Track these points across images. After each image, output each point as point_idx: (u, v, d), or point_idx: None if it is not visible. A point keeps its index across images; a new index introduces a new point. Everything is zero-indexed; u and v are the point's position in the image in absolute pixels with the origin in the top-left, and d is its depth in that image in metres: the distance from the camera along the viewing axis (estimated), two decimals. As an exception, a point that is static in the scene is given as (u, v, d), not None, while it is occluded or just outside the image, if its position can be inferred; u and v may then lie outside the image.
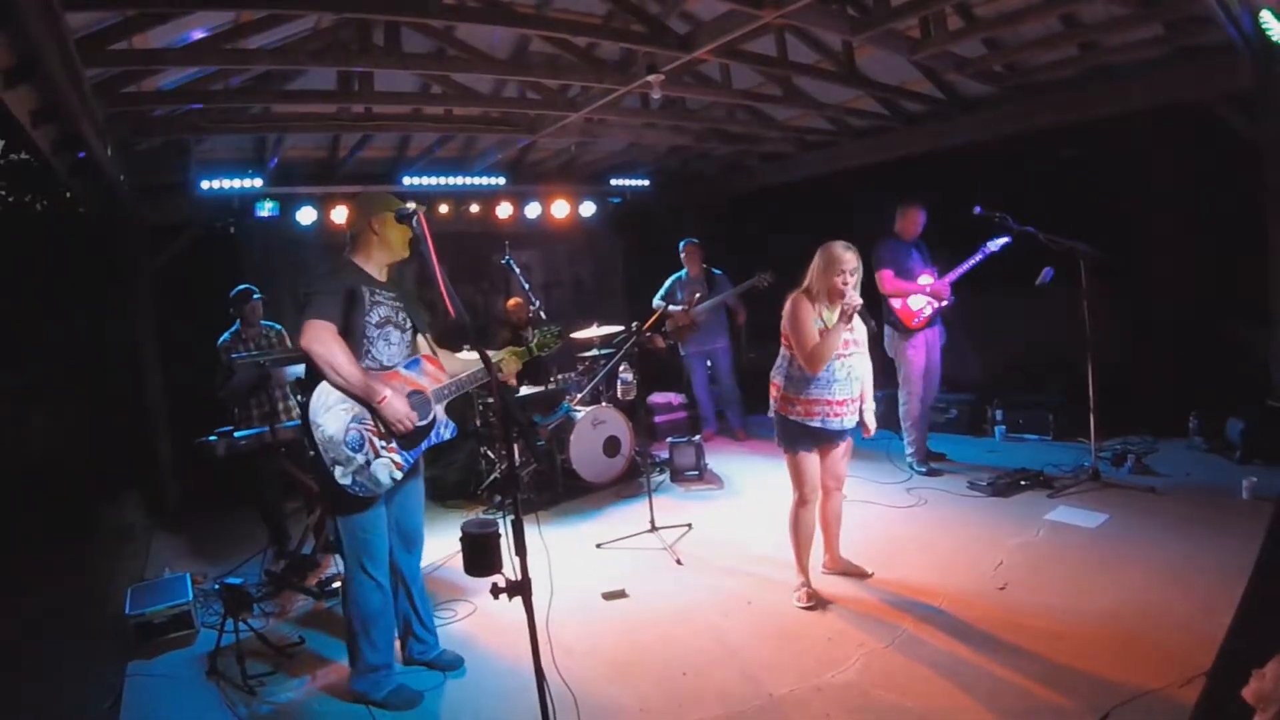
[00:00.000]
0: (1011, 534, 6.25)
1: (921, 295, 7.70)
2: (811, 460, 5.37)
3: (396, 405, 4.22)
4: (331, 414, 4.12)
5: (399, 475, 4.36)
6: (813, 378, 5.17)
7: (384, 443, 4.28)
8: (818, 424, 5.24)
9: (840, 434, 5.42)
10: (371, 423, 4.24)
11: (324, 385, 4.10)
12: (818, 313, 5.20)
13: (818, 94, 8.54)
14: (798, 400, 5.25)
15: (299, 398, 4.13)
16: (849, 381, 5.27)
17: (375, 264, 4.50)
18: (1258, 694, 2.47)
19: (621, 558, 6.65)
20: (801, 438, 5.31)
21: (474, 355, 4.80)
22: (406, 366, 4.51)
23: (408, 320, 4.62)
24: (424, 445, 4.56)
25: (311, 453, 4.13)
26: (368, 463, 4.21)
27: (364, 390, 4.13)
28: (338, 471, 4.11)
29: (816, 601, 5.39)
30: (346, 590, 4.50)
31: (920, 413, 8.05)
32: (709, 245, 10.37)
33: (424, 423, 4.43)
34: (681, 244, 10.21)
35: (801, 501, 5.44)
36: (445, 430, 4.63)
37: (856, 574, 5.79)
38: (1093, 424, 7.26)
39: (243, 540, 7.27)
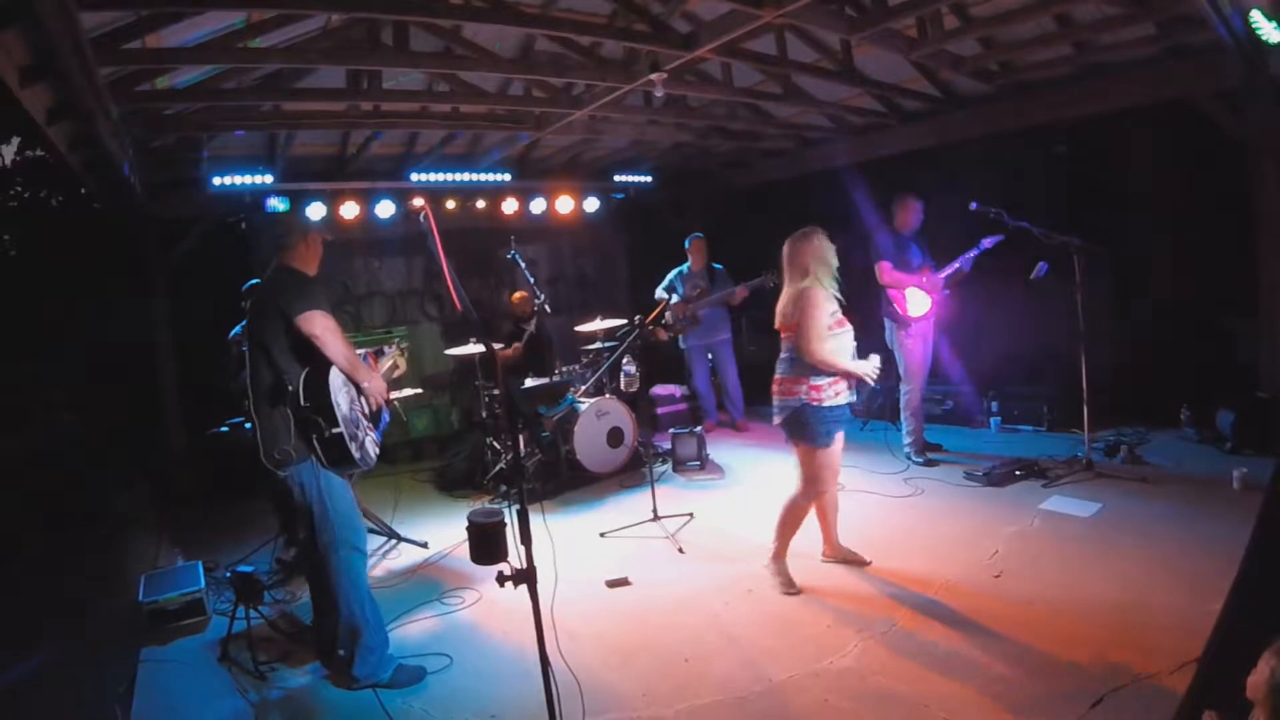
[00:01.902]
0: (1007, 523, 6.25)
1: (917, 287, 7.69)
2: (839, 448, 5.40)
3: (378, 383, 4.72)
4: (342, 394, 4.43)
5: (378, 452, 4.77)
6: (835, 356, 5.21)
7: (368, 422, 4.69)
8: (846, 399, 5.30)
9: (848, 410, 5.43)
10: (360, 403, 4.63)
11: (334, 369, 4.39)
12: (828, 296, 5.26)
13: (817, 92, 8.51)
14: (828, 385, 5.23)
15: (290, 389, 4.25)
16: (852, 353, 5.34)
17: (310, 273, 4.72)
18: (1253, 687, 2.49)
19: (625, 546, 6.66)
20: (832, 424, 5.27)
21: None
22: None
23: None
24: (383, 426, 4.94)
25: (330, 430, 4.32)
26: (364, 439, 4.57)
27: (360, 371, 4.58)
28: (353, 447, 4.40)
29: (793, 586, 5.48)
30: (340, 575, 4.54)
31: (920, 403, 8.06)
32: (710, 239, 10.34)
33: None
34: (689, 238, 10.20)
35: (824, 492, 5.50)
36: (385, 415, 5.07)
37: (855, 562, 5.80)
38: (1086, 415, 7.26)
39: (253, 529, 7.26)
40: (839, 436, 5.37)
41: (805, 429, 5.28)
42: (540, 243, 12.24)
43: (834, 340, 5.20)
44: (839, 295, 5.33)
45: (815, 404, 5.23)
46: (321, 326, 4.30)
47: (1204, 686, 2.97)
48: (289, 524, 6.82)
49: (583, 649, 4.80)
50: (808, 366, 5.23)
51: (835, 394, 5.23)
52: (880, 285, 7.76)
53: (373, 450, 4.67)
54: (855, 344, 5.37)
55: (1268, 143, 6.90)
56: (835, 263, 5.34)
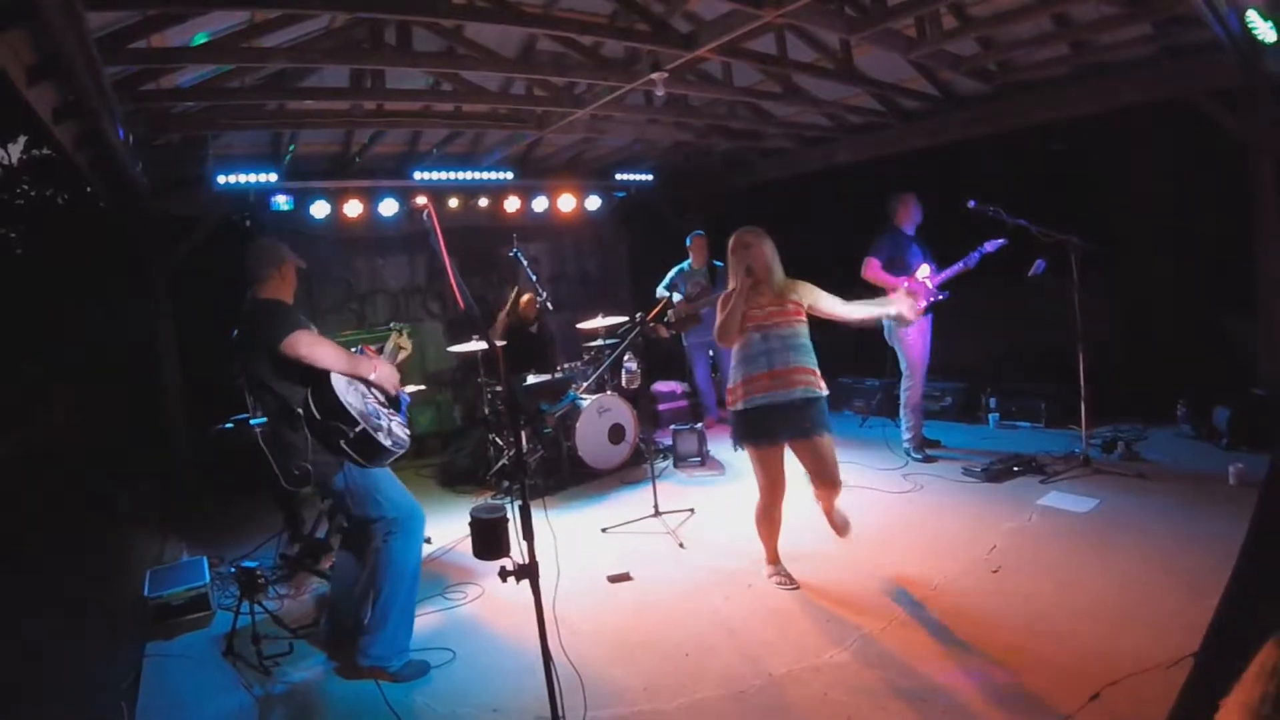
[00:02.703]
0: (1005, 518, 6.25)
1: (900, 290, 7.65)
2: (771, 456, 5.26)
3: (385, 370, 4.75)
4: (351, 393, 4.45)
5: (409, 432, 4.79)
6: (744, 357, 5.20)
7: (388, 410, 4.72)
8: (763, 400, 5.11)
9: (797, 409, 5.16)
10: (372, 395, 4.66)
11: (333, 374, 4.40)
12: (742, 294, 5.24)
13: (816, 91, 8.50)
14: (738, 387, 5.23)
15: (300, 411, 4.39)
16: (785, 351, 5.15)
17: (289, 300, 4.81)
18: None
19: (626, 541, 6.66)
20: (750, 430, 5.22)
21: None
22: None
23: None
24: (404, 406, 4.97)
25: (354, 430, 4.33)
26: (390, 426, 4.58)
27: (364, 366, 4.59)
28: (380, 436, 4.43)
29: (792, 581, 5.45)
30: (389, 563, 4.62)
31: (919, 400, 8.06)
32: (711, 238, 10.32)
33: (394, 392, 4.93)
34: (690, 236, 10.18)
35: (771, 499, 5.40)
36: (405, 396, 5.06)
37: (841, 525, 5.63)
38: (1083, 411, 7.25)
39: (258, 525, 7.29)
40: (794, 447, 5.27)
41: (732, 435, 5.43)
42: (542, 241, 12.25)
43: (751, 336, 5.20)
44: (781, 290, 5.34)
45: (734, 409, 5.31)
46: (307, 345, 4.34)
47: (1200, 682, 2.97)
48: (293, 520, 6.85)
49: (584, 644, 4.79)
50: (730, 369, 5.37)
51: (744, 394, 5.20)
52: (879, 282, 7.74)
53: (402, 433, 4.69)
54: (795, 336, 5.22)
55: (1265, 141, 6.89)
56: (752, 263, 5.30)
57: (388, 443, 4.47)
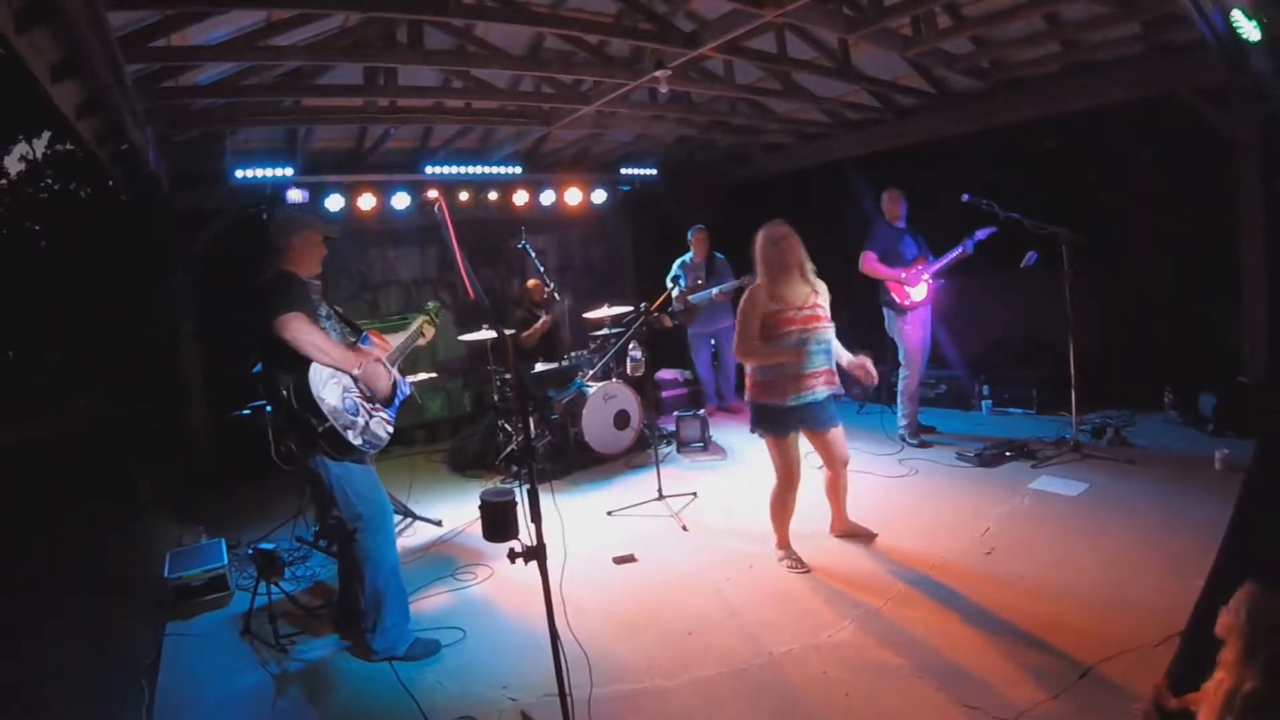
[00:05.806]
0: (997, 502, 6.25)
1: (896, 281, 7.67)
2: (792, 444, 5.34)
3: (371, 369, 4.60)
4: (328, 388, 4.33)
5: (391, 430, 4.67)
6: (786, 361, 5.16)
7: (371, 405, 4.58)
8: (793, 401, 5.17)
9: (821, 407, 5.27)
10: (356, 390, 4.51)
11: (315, 365, 4.27)
12: (771, 294, 5.18)
13: (815, 88, 8.49)
14: (774, 384, 5.20)
15: (284, 393, 4.31)
16: (822, 354, 5.22)
17: (304, 273, 4.63)
18: (1225, 627, 2.50)
19: (631, 524, 6.66)
20: (780, 421, 5.24)
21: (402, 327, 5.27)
22: (361, 343, 4.76)
23: (332, 313, 4.79)
24: (397, 402, 4.81)
25: (322, 426, 4.27)
26: (367, 423, 4.49)
27: (347, 361, 4.42)
28: (350, 435, 4.35)
29: (802, 564, 5.46)
30: (365, 553, 4.56)
31: (917, 388, 8.06)
32: (712, 231, 10.30)
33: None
34: (691, 230, 10.15)
35: (787, 485, 5.44)
36: (406, 387, 4.93)
37: (864, 535, 5.84)
38: (1074, 399, 7.25)
39: (274, 507, 7.30)
40: (809, 436, 5.38)
41: (754, 422, 5.40)
42: (550, 233, 12.19)
43: (779, 341, 5.15)
44: (814, 288, 5.33)
45: (758, 401, 5.31)
46: (293, 329, 4.13)
47: (1187, 657, 2.98)
48: (315, 503, 6.85)
49: (590, 623, 4.80)
50: (754, 366, 5.31)
51: (779, 395, 5.18)
52: (877, 275, 7.74)
53: (381, 431, 4.58)
54: (825, 340, 5.25)
55: (1249, 137, 6.88)
56: (784, 258, 5.21)
57: (357, 441, 4.38)
